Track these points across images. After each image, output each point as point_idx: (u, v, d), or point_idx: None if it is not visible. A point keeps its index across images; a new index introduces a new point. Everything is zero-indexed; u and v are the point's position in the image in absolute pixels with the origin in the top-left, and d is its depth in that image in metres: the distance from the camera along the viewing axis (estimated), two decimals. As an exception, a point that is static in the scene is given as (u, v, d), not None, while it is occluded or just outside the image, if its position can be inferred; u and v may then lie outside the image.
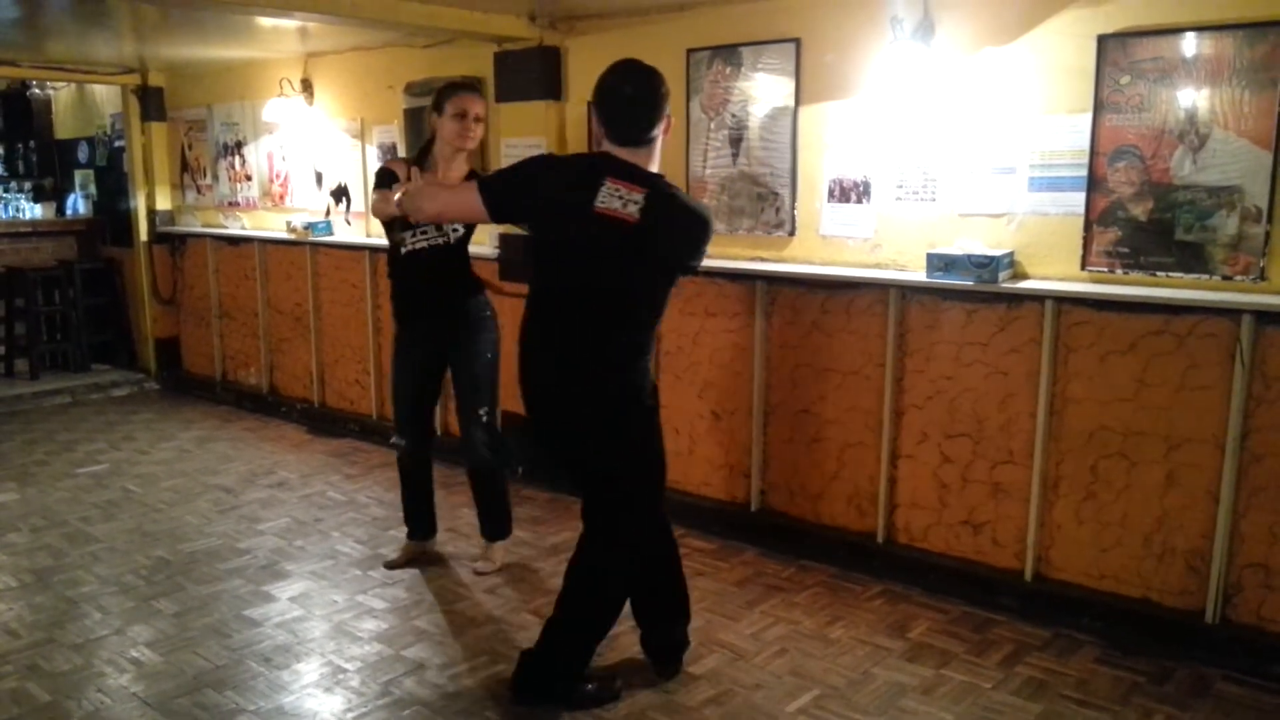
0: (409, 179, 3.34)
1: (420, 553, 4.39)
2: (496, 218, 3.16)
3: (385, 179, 3.89)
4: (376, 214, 4.09)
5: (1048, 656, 3.54)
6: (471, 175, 4.02)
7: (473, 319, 4.12)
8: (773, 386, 4.56)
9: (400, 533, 4.66)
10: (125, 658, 3.52)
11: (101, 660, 3.51)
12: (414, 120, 5.70)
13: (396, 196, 3.21)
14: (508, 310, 5.44)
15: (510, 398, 3.93)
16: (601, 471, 3.11)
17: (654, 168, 3.01)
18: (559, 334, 3.02)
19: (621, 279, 2.95)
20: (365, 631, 3.72)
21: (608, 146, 2.98)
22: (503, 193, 3.04)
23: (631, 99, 2.93)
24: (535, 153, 5.14)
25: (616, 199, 2.86)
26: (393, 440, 4.33)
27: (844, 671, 3.43)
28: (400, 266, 4.09)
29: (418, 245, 3.97)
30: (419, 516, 4.39)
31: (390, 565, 4.33)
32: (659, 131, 2.99)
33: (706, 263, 3.15)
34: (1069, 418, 3.76)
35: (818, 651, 3.57)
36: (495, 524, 4.30)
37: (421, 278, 4.04)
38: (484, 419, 4.12)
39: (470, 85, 4.22)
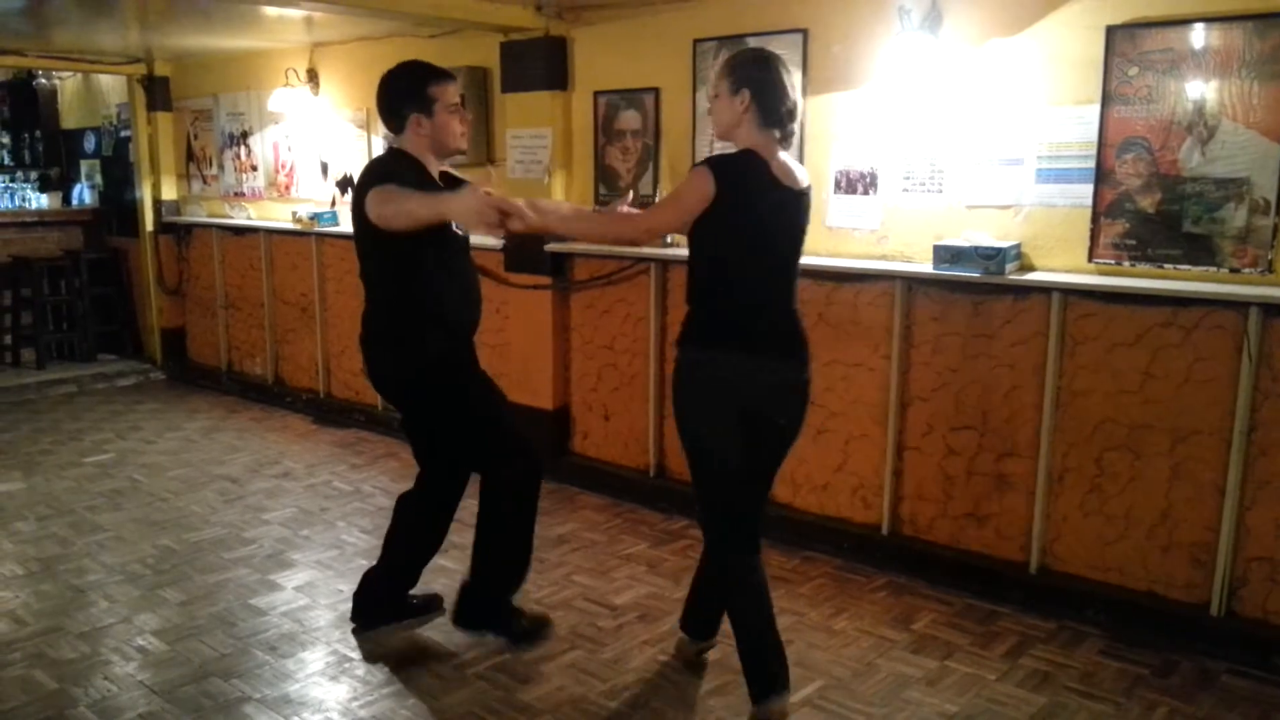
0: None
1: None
2: None
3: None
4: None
5: (1052, 649, 3.54)
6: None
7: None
8: (778, 378, 4.55)
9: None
10: (131, 646, 3.54)
11: (108, 648, 3.52)
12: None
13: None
14: (514, 301, 5.46)
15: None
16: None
17: (414, 149, 3.27)
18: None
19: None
20: (370, 621, 3.73)
21: None
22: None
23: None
24: (541, 143, 5.18)
25: None
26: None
27: (848, 663, 3.43)
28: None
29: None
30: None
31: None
32: (396, 123, 3.27)
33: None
34: (1075, 410, 3.75)
35: (822, 643, 3.57)
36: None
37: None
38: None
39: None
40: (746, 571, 2.96)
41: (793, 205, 2.91)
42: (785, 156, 2.90)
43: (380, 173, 3.20)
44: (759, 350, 2.89)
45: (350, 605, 3.72)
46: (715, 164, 2.82)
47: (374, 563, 3.69)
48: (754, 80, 2.83)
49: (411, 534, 3.63)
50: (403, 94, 3.25)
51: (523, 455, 3.36)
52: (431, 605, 3.77)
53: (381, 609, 3.68)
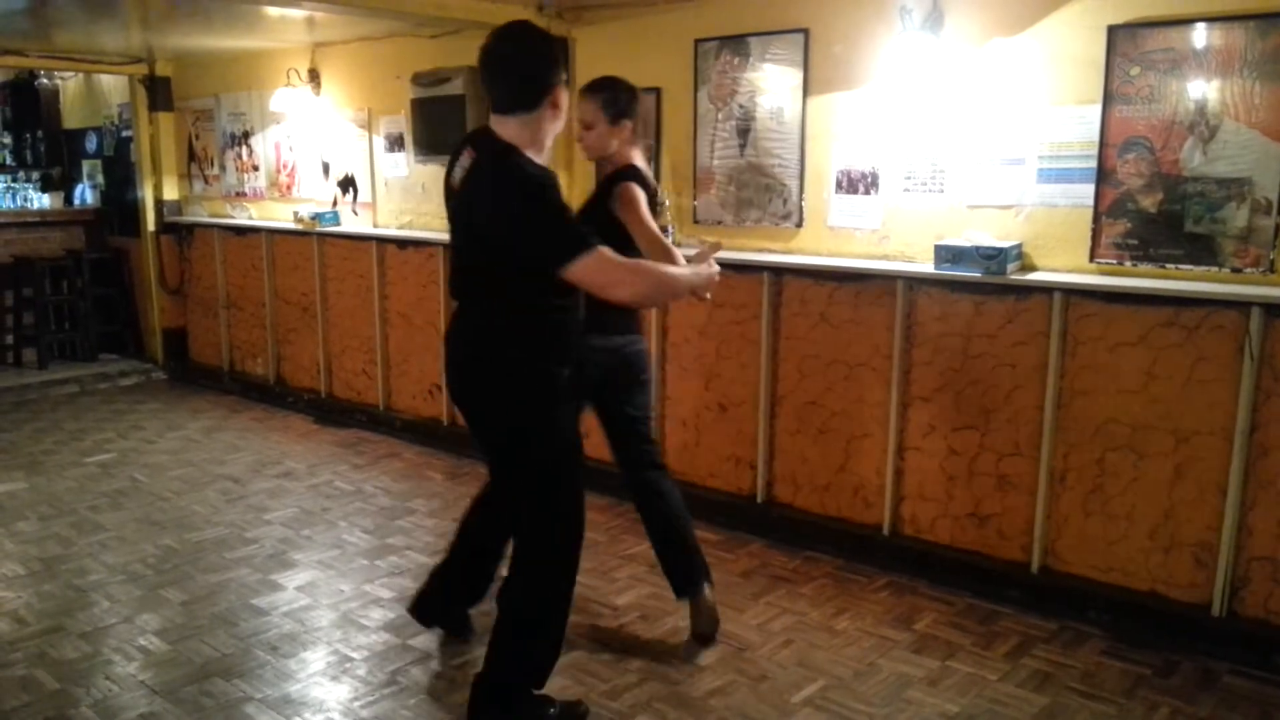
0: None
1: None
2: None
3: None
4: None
5: (1054, 649, 3.53)
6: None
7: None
8: (779, 378, 4.56)
9: (407, 522, 4.69)
10: (133, 646, 3.54)
11: (110, 648, 3.52)
12: (421, 110, 5.69)
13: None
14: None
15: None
16: (506, 458, 2.91)
17: (533, 146, 2.68)
18: (456, 312, 2.89)
19: (466, 255, 2.81)
20: (372, 621, 3.73)
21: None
22: None
23: (495, 62, 2.66)
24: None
25: (459, 169, 2.71)
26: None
27: (850, 663, 3.43)
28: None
29: None
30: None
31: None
32: (533, 101, 2.66)
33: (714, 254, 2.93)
34: (1077, 410, 3.75)
35: (824, 643, 3.57)
36: None
37: None
38: None
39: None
40: None
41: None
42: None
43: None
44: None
45: (354, 602, 3.71)
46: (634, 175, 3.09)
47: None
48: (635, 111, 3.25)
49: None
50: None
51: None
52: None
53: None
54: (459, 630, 3.56)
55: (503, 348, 2.76)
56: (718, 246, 3.03)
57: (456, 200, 2.76)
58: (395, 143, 6.12)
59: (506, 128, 2.68)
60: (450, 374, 2.90)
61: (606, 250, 2.60)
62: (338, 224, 6.54)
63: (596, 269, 2.59)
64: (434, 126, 5.55)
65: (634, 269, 2.75)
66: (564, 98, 2.72)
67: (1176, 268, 3.52)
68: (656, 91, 4.83)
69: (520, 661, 2.92)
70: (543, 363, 2.78)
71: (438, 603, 3.52)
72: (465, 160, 2.70)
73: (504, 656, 2.91)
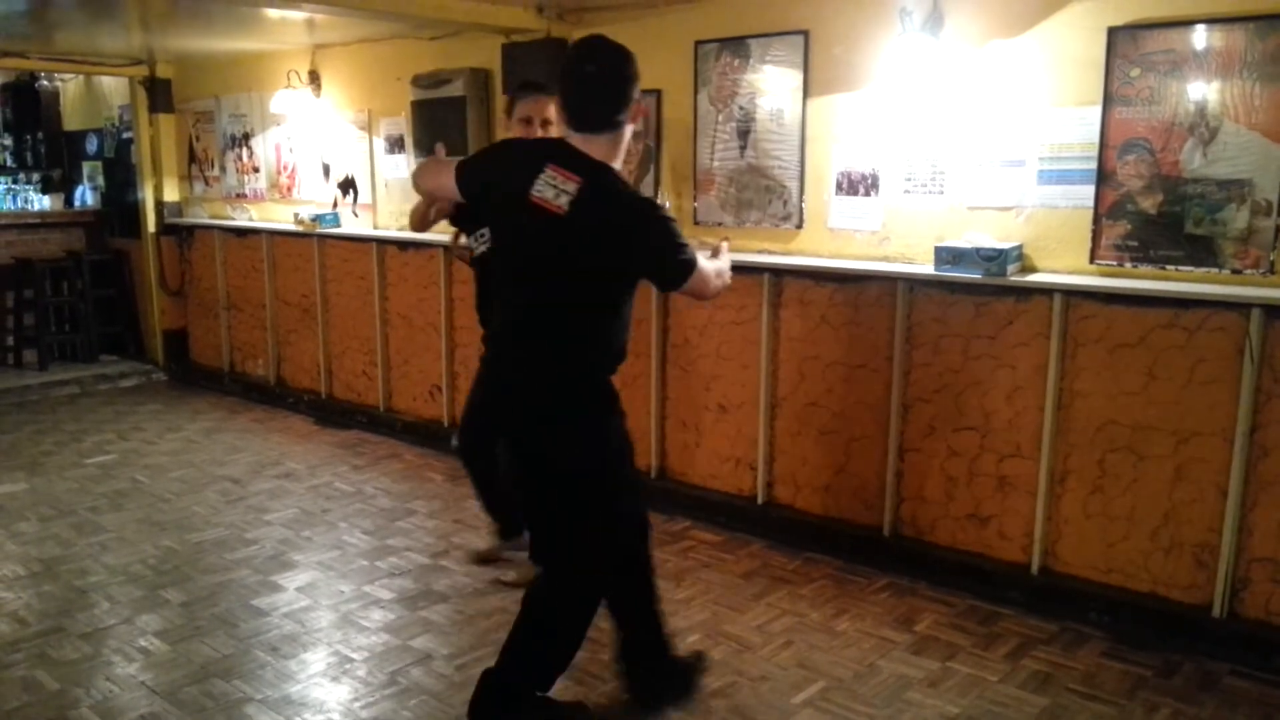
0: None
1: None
2: (465, 197, 2.89)
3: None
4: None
5: (1054, 650, 3.53)
6: None
7: None
8: (780, 379, 4.56)
9: (408, 523, 4.69)
10: (133, 647, 3.54)
11: (110, 649, 3.52)
12: (422, 112, 5.70)
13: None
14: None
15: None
16: (563, 479, 2.84)
17: (616, 161, 2.72)
18: (510, 330, 2.82)
19: (550, 277, 2.70)
20: (372, 622, 3.73)
21: (566, 133, 2.71)
22: (470, 170, 2.83)
23: (593, 79, 2.66)
24: (543, 145, 5.18)
25: (550, 188, 2.60)
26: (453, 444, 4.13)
27: (850, 664, 3.43)
28: (480, 276, 3.82)
29: (480, 250, 3.72)
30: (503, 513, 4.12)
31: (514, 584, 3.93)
32: (624, 118, 2.69)
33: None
34: (1077, 411, 3.75)
35: (824, 644, 3.57)
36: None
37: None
38: None
39: (539, 86, 3.81)
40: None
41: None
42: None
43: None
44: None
45: (354, 603, 3.71)
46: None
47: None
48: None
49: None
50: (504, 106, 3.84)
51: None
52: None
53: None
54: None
55: (592, 373, 2.80)
56: (726, 239, 3.19)
57: (551, 225, 2.61)
58: (395, 144, 6.13)
59: (596, 147, 2.67)
60: (523, 410, 2.79)
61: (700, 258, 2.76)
62: (338, 225, 6.54)
63: (700, 279, 2.77)
64: (434, 128, 5.54)
65: (717, 272, 2.89)
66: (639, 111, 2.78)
67: (1177, 269, 3.52)
68: (657, 93, 4.84)
69: (534, 663, 2.92)
70: (612, 383, 2.86)
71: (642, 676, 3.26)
72: (564, 184, 2.60)
73: (519, 656, 2.90)
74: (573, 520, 2.86)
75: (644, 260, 2.70)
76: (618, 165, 2.73)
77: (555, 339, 2.73)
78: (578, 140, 2.67)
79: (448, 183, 2.87)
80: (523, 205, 2.63)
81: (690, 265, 2.70)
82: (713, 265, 2.88)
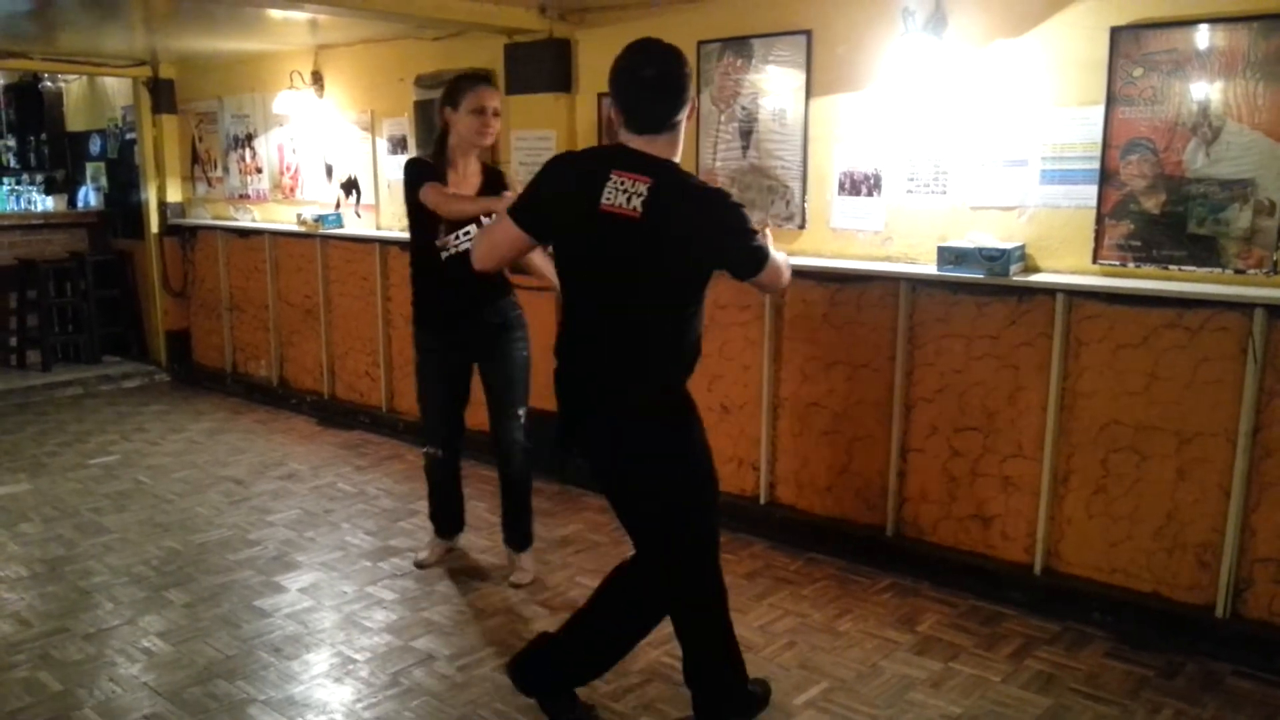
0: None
1: (449, 550, 4.33)
2: (537, 237, 2.82)
3: (428, 173, 3.74)
4: (448, 212, 3.70)
5: (1057, 650, 3.53)
6: (486, 173, 3.98)
7: (509, 320, 3.97)
8: (782, 379, 4.56)
9: (410, 524, 4.69)
10: (136, 647, 3.54)
11: (113, 650, 3.52)
12: (424, 112, 5.71)
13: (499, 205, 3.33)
14: (520, 304, 5.45)
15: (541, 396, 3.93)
16: (646, 488, 2.84)
17: (676, 157, 2.73)
18: (588, 349, 2.81)
19: (630, 281, 2.68)
20: (375, 622, 3.73)
21: (623, 136, 2.68)
22: (527, 210, 2.76)
23: (653, 82, 2.63)
24: (545, 145, 5.18)
25: (621, 193, 2.59)
26: (426, 450, 4.18)
27: (852, 664, 3.43)
28: (436, 270, 3.85)
29: (461, 247, 3.74)
30: (449, 516, 4.30)
31: (422, 564, 4.23)
32: (682, 117, 2.70)
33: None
34: (1080, 411, 3.74)
35: (826, 644, 3.57)
36: (524, 532, 4.12)
37: (464, 281, 3.63)
38: (521, 418, 3.98)
39: (485, 78, 4.01)
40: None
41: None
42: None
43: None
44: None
45: (357, 604, 3.71)
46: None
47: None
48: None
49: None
50: (445, 93, 3.81)
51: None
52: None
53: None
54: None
55: (673, 377, 2.83)
56: (765, 223, 3.21)
57: (627, 230, 2.59)
58: (398, 145, 6.13)
59: (658, 147, 2.67)
60: (606, 420, 2.82)
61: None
62: (341, 226, 6.55)
63: (774, 269, 2.79)
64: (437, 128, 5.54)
65: (785, 263, 2.90)
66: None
67: (1179, 269, 3.52)
68: (659, 93, 4.83)
69: (587, 659, 2.99)
70: (688, 390, 2.90)
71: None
72: (634, 187, 2.59)
73: (579, 647, 2.97)
74: (646, 530, 2.87)
75: (722, 250, 2.70)
76: (678, 161, 2.74)
77: (637, 344, 2.73)
78: (639, 142, 2.66)
79: (513, 237, 2.79)
80: (594, 216, 2.62)
81: (764, 253, 2.71)
82: (781, 256, 2.87)
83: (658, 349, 2.75)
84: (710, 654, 2.98)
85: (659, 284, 2.69)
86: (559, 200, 2.73)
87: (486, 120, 3.77)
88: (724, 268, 2.75)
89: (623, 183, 2.60)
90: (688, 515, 2.84)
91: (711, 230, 2.66)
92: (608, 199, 2.60)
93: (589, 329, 2.79)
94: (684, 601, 2.95)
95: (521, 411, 3.99)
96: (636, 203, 2.58)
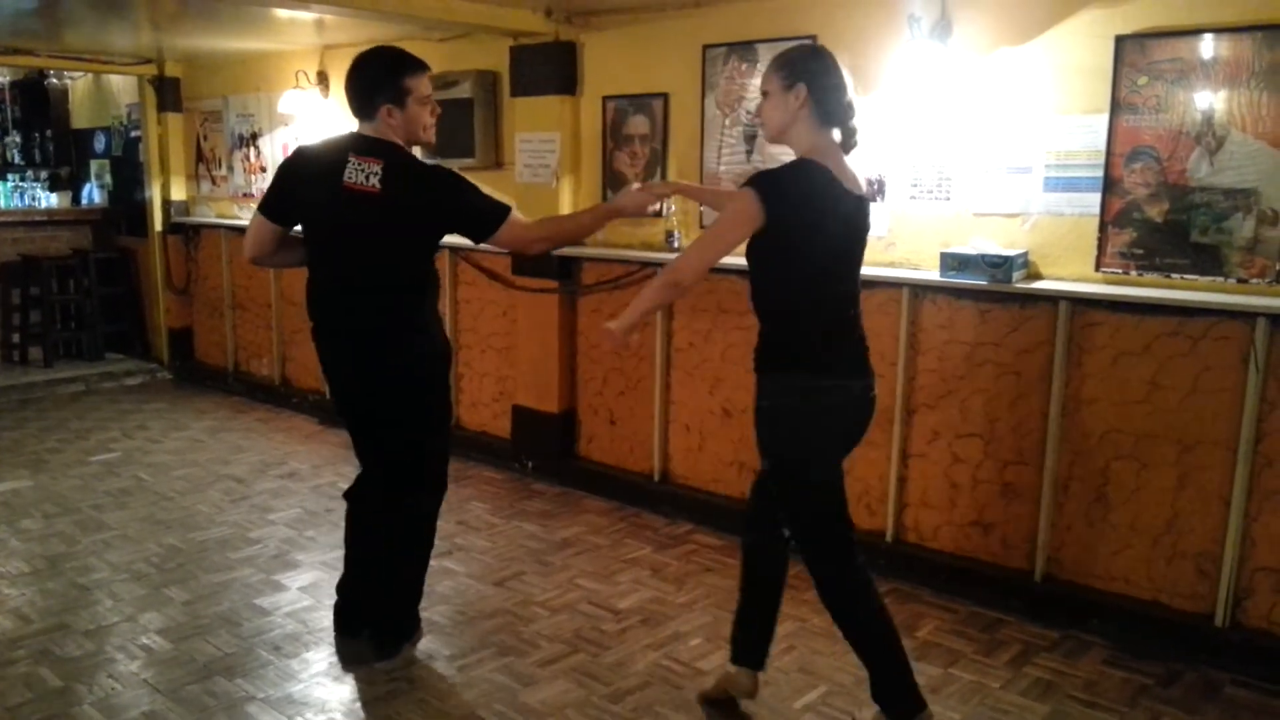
0: None
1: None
2: (282, 224, 3.35)
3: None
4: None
5: (1056, 657, 3.53)
6: None
7: None
8: (784, 384, 4.55)
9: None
10: (136, 644, 3.55)
11: (113, 646, 3.53)
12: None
13: None
14: (522, 304, 5.47)
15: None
16: (402, 429, 3.26)
17: (399, 139, 3.16)
18: (337, 310, 3.25)
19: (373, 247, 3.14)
20: (374, 622, 3.74)
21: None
22: (272, 204, 3.28)
23: (347, 80, 3.22)
24: (549, 147, 5.19)
25: (360, 173, 3.06)
26: None
27: (852, 669, 3.41)
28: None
29: None
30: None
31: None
32: (381, 107, 3.10)
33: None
34: (1081, 419, 3.75)
35: (825, 649, 3.57)
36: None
37: None
38: None
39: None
40: (866, 581, 2.83)
41: (859, 212, 2.75)
42: (846, 160, 2.71)
43: None
44: (854, 374, 2.82)
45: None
46: (764, 184, 2.60)
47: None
48: (810, 73, 2.63)
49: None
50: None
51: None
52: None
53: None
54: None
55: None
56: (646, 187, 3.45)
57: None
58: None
59: (378, 130, 3.22)
60: None
61: None
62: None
63: (514, 228, 3.28)
64: (442, 130, 5.51)
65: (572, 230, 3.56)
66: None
67: (1182, 278, 3.52)
68: (664, 97, 4.85)
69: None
70: None
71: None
72: (370, 167, 3.07)
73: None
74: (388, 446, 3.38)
75: (454, 213, 3.18)
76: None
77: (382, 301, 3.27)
78: (366, 128, 3.22)
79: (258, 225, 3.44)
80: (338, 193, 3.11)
81: (498, 215, 3.20)
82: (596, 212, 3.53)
83: (394, 306, 3.17)
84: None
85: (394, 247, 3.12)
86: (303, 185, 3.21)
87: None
88: (457, 230, 3.20)
89: (360, 165, 3.06)
90: (424, 439, 3.31)
91: (442, 197, 3.11)
92: (349, 177, 3.06)
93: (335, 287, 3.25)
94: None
95: None
96: (374, 180, 3.04)
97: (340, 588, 3.49)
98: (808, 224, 2.62)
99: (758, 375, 2.82)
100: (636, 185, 3.46)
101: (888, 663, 2.81)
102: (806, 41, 2.79)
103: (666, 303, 2.92)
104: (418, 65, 3.20)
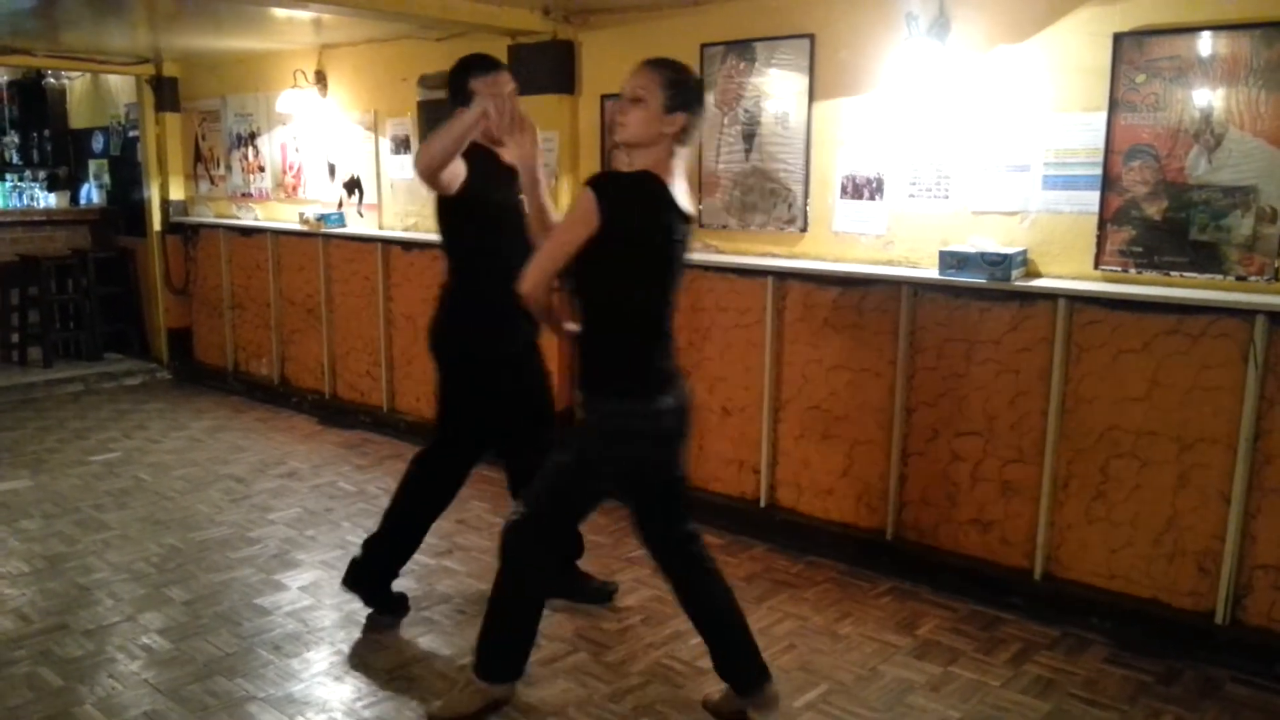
0: None
1: None
2: None
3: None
4: None
5: (1056, 655, 3.53)
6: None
7: None
8: (783, 382, 4.56)
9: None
10: (136, 644, 3.55)
11: (113, 646, 3.53)
12: (427, 113, 5.71)
13: None
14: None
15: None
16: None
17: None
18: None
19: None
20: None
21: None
22: None
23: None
24: (547, 146, 5.19)
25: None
26: None
27: (852, 668, 3.43)
28: None
29: None
30: None
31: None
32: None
33: (718, 258, 3.09)
34: (1080, 417, 3.75)
35: (826, 647, 3.57)
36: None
37: None
38: None
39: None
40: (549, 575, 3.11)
41: (686, 234, 2.81)
42: (681, 180, 2.79)
43: None
44: (669, 394, 2.87)
45: (357, 602, 3.72)
46: (604, 185, 2.65)
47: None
48: (692, 107, 2.72)
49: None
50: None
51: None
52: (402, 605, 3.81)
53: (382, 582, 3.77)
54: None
55: None
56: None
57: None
58: (401, 145, 6.14)
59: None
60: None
61: None
62: (343, 225, 6.55)
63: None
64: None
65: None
66: None
67: (1181, 275, 3.53)
68: (662, 95, 4.84)
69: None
70: None
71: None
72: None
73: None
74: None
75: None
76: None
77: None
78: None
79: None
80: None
81: None
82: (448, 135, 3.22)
83: None
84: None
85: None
86: None
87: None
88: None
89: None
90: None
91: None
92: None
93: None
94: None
95: None
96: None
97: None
98: (640, 232, 2.70)
99: (585, 394, 2.85)
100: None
101: (514, 636, 3.01)
102: (692, 66, 2.79)
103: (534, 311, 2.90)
104: (487, 67, 3.47)
